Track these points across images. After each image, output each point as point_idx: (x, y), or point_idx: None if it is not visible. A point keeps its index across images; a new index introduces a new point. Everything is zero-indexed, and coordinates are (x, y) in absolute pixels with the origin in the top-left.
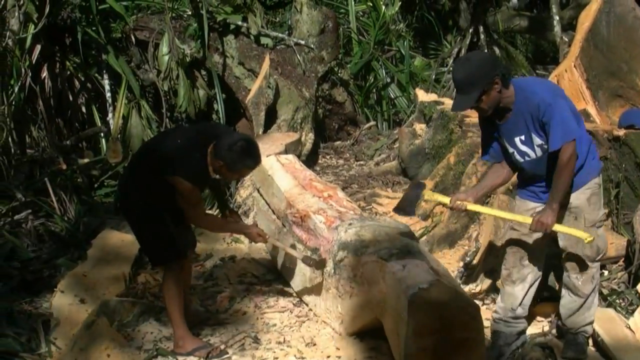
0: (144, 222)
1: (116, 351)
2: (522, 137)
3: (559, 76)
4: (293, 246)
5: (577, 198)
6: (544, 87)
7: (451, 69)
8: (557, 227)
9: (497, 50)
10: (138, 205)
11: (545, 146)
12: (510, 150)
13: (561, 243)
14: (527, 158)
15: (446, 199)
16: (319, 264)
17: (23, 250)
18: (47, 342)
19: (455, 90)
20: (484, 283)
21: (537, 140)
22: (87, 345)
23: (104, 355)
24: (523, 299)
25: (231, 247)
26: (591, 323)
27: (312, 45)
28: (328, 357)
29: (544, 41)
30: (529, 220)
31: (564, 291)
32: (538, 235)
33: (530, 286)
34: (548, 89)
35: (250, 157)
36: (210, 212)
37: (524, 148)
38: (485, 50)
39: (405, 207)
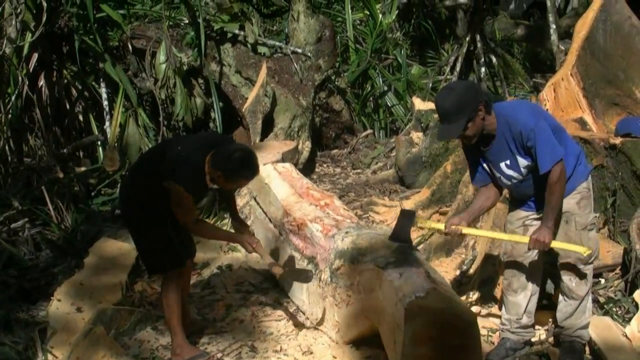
0: (144, 230)
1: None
2: (508, 162)
3: (555, 84)
4: (291, 259)
5: (567, 203)
6: (524, 111)
7: (435, 100)
8: (554, 244)
9: (494, 59)
10: (138, 213)
11: (532, 166)
12: (497, 175)
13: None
14: (513, 181)
15: (440, 226)
16: (308, 278)
17: (20, 259)
18: (44, 351)
19: (440, 120)
20: (480, 291)
21: (523, 162)
22: (84, 353)
23: None
24: (527, 306)
25: (228, 256)
26: (587, 326)
27: (309, 54)
28: None
29: (541, 49)
30: (525, 239)
31: (560, 298)
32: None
33: (532, 293)
34: (528, 113)
35: (248, 168)
36: (207, 220)
37: (510, 172)
38: (482, 59)
39: (399, 236)
